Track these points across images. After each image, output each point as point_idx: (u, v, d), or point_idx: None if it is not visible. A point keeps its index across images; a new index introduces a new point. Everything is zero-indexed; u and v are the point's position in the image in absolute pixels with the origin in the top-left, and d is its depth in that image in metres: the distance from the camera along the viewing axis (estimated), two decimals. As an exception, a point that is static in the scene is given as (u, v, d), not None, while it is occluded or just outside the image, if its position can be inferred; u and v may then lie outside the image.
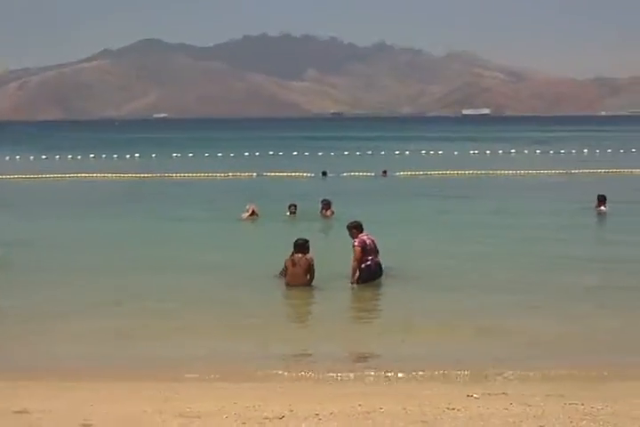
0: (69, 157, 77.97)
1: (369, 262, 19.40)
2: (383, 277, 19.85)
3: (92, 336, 15.41)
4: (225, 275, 21.02)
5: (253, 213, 32.15)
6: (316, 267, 19.15)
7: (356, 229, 19.73)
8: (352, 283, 19.27)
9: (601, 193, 34.24)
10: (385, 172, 54.10)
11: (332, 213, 32.31)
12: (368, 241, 19.45)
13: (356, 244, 19.33)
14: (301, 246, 19.26)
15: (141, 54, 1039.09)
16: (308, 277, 19.06)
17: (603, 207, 33.65)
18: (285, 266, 19.31)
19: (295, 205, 32.33)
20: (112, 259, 23.82)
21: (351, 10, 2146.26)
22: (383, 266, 19.83)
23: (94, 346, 14.79)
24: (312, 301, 18.55)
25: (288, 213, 32.17)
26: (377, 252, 19.68)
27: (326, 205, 32.53)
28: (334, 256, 21.04)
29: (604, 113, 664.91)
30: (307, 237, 19.59)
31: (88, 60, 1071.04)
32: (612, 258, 23.47)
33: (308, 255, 19.19)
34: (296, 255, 19.16)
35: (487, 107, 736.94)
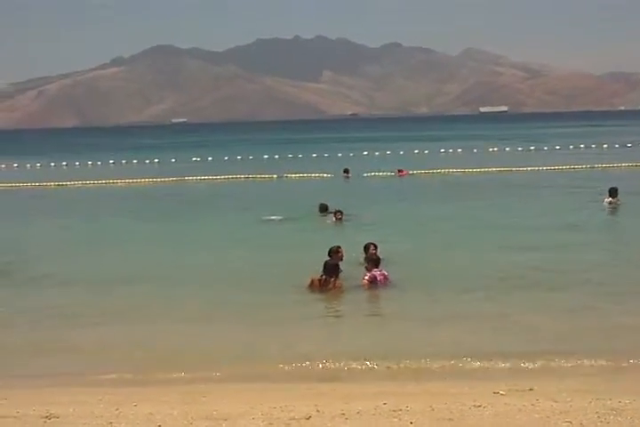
0: (89, 163, 78.18)
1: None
2: (400, 279, 19.85)
3: (115, 341, 15.49)
4: (254, 278, 21.11)
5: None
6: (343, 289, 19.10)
7: (370, 263, 19.70)
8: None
9: (613, 186, 34.28)
10: (401, 171, 54.02)
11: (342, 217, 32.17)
12: (380, 277, 19.39)
13: (366, 278, 19.33)
14: (332, 269, 19.15)
15: (154, 60, 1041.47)
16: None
17: (612, 199, 33.72)
18: (312, 280, 19.13)
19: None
20: (134, 262, 23.95)
21: (360, 11, 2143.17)
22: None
23: (117, 350, 14.87)
24: (336, 302, 18.52)
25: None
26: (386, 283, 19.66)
27: (338, 213, 32.30)
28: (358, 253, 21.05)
29: (622, 108, 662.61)
30: (337, 261, 19.57)
31: (102, 67, 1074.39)
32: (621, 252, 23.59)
33: (339, 282, 19.06)
34: (327, 278, 19.03)
35: (504, 104, 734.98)
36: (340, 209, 31.81)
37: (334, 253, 20.25)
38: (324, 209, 33.39)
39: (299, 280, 19.53)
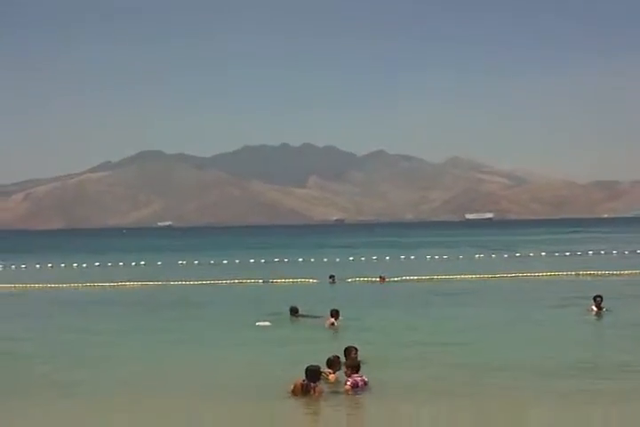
0: (74, 265, 78.25)
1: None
2: (381, 384, 19.95)
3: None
4: (240, 384, 21.06)
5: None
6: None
7: (351, 368, 19.87)
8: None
9: (598, 294, 34.79)
10: (382, 278, 54.47)
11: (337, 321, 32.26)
12: (360, 383, 19.56)
13: (349, 384, 19.49)
14: (313, 374, 19.17)
15: (143, 165, 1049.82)
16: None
17: (597, 308, 34.32)
18: (294, 386, 19.11)
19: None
20: (123, 370, 23.82)
21: (347, 120, 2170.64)
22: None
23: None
24: (319, 409, 18.46)
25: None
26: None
27: (335, 314, 32.42)
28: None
29: (606, 216, 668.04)
30: (318, 364, 19.61)
31: (91, 171, 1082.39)
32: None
33: (319, 388, 19.07)
34: (309, 383, 18.99)
35: (490, 211, 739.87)
36: (337, 309, 32.26)
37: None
38: (294, 312, 34.98)
39: (284, 386, 19.49)
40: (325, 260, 78.69)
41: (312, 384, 18.95)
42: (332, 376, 20.23)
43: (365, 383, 19.57)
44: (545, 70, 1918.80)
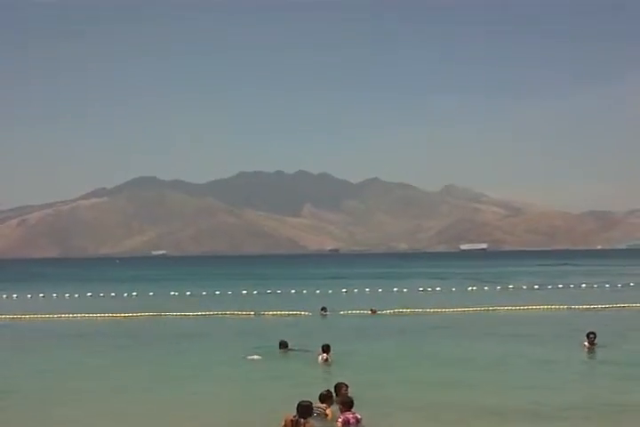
0: (67, 295, 77.99)
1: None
2: (372, 421, 19.88)
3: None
4: (230, 419, 21.03)
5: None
6: None
7: (344, 405, 19.81)
8: None
9: (591, 331, 34.97)
10: (373, 310, 54.71)
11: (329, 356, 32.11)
12: (352, 420, 19.46)
13: (339, 420, 19.42)
14: (304, 410, 19.00)
15: (137, 192, 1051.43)
16: None
17: (590, 344, 34.48)
18: (285, 421, 18.92)
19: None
20: (111, 409, 23.58)
21: (342, 147, 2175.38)
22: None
23: None
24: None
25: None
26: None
27: (326, 349, 32.25)
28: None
29: (600, 247, 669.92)
30: (310, 400, 19.49)
31: (84, 197, 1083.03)
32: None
33: (310, 423, 18.89)
34: (299, 419, 18.82)
35: (484, 241, 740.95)
36: (328, 344, 31.99)
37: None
38: (284, 346, 34.95)
39: (274, 422, 19.36)
40: (318, 291, 78.40)
41: (302, 420, 18.78)
42: (328, 411, 20.13)
43: (358, 421, 19.47)
44: (543, 97, 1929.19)
